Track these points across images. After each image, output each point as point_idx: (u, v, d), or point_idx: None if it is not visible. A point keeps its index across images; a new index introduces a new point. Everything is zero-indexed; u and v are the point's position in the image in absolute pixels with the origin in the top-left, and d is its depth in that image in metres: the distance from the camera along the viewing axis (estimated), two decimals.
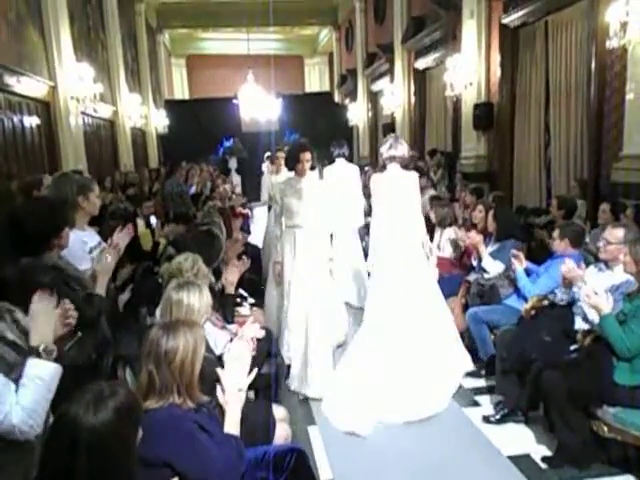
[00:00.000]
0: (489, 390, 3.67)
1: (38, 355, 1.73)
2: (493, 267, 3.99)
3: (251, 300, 4.17)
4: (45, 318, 1.79)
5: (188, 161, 10.26)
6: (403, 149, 3.77)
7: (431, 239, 5.14)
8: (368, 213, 5.26)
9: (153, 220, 5.61)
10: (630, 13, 4.12)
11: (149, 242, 4.62)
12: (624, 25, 4.25)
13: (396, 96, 10.94)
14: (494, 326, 3.77)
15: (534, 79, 6.57)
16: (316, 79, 21.08)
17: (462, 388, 3.74)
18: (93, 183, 3.10)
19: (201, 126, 14.38)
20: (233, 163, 13.41)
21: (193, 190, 8.30)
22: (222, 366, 2.06)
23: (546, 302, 3.45)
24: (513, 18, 6.60)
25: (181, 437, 1.75)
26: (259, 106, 12.60)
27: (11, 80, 6.10)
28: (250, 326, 2.45)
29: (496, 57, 7.08)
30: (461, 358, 3.87)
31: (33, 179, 4.64)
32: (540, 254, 4.05)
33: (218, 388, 1.97)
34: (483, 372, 3.87)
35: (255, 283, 4.97)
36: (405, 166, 3.92)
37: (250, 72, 12.51)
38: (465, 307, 4.17)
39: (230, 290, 3.40)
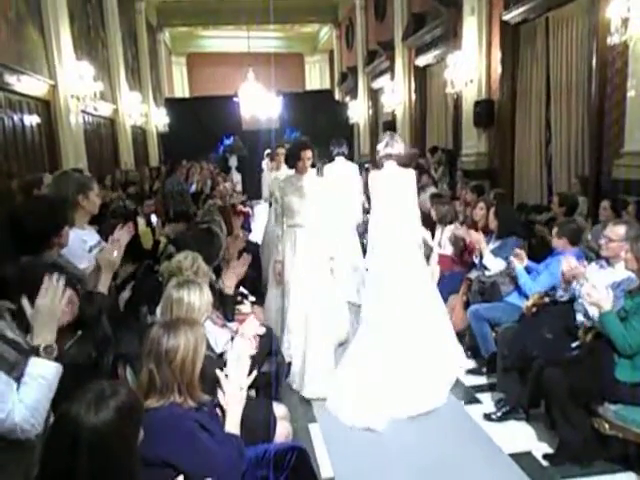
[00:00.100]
0: (490, 387, 3.66)
1: (38, 354, 1.73)
2: (494, 264, 3.99)
3: (252, 298, 4.17)
4: (49, 318, 1.78)
5: (188, 159, 10.25)
6: (399, 147, 3.85)
7: (432, 237, 5.17)
8: (368, 211, 5.27)
9: (154, 219, 5.61)
10: (631, 9, 4.11)
11: (150, 241, 4.62)
12: (625, 21, 4.24)
13: (397, 93, 10.92)
14: (495, 323, 3.77)
15: (535, 76, 6.56)
16: (316, 77, 21.05)
17: (463, 385, 3.75)
18: (93, 182, 3.10)
19: (201, 124, 14.37)
20: (233, 161, 13.40)
21: (193, 188, 8.30)
22: (223, 364, 2.06)
23: (547, 299, 3.45)
24: (514, 15, 6.58)
25: (182, 436, 1.75)
26: (259, 104, 12.59)
27: (11, 79, 6.10)
28: (250, 323, 2.45)
29: (497, 54, 7.06)
30: (456, 354, 3.91)
31: (33, 178, 4.64)
32: (541, 251, 4.05)
33: (219, 389, 1.97)
34: (484, 370, 3.87)
35: (255, 281, 4.97)
36: (404, 164, 3.99)
37: (250, 70, 12.49)
38: (466, 304, 4.17)
39: (229, 292, 3.40)
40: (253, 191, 10.84)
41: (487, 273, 4.04)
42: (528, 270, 3.75)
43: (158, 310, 2.59)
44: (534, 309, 3.47)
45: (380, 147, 3.86)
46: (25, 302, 1.83)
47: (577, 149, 5.86)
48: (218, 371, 2.01)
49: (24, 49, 6.63)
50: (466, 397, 3.59)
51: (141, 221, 5.24)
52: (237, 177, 12.49)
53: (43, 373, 1.70)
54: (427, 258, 5.05)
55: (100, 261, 2.53)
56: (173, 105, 15.42)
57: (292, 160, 4.10)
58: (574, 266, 3.07)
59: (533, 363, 2.99)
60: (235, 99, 13.40)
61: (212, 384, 2.00)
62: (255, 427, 2.24)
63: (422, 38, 9.50)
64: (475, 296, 4.11)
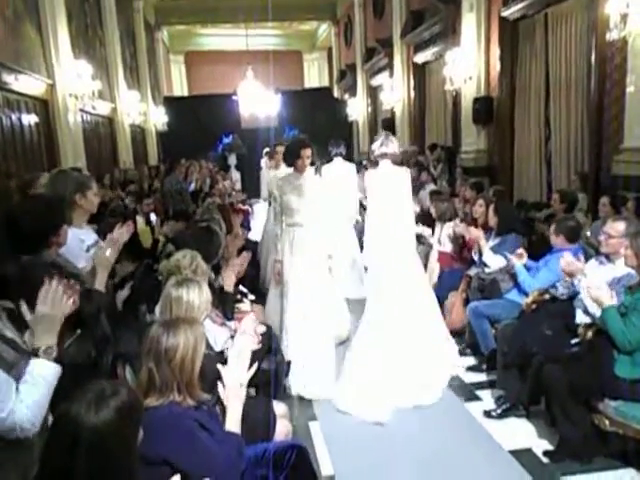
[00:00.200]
0: (490, 385, 3.66)
1: (37, 355, 1.73)
2: (494, 261, 3.99)
3: (251, 297, 4.17)
4: (50, 325, 1.78)
5: (187, 158, 10.22)
6: (394, 146, 3.88)
7: (432, 234, 5.17)
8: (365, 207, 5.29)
9: (153, 217, 5.61)
10: (630, 5, 4.11)
11: (149, 239, 4.63)
12: (624, 17, 4.23)
13: (395, 91, 10.91)
14: (495, 320, 3.77)
15: (534, 72, 6.54)
16: (315, 74, 21.03)
17: (463, 383, 3.75)
18: (91, 181, 3.08)
19: (200, 123, 14.35)
20: (232, 160, 13.38)
21: (192, 187, 8.28)
22: (223, 362, 2.06)
23: (547, 296, 3.45)
24: (513, 11, 6.57)
25: (181, 435, 1.74)
26: (258, 102, 12.59)
27: (9, 78, 6.08)
28: (248, 319, 2.45)
29: (496, 50, 7.04)
30: (451, 350, 3.95)
31: (31, 177, 4.62)
32: (541, 248, 4.04)
33: (219, 383, 1.97)
34: (484, 366, 3.87)
35: (254, 280, 4.97)
36: (400, 162, 4.04)
37: (249, 68, 12.48)
38: (466, 301, 4.17)
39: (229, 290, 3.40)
40: (252, 189, 10.83)
41: (487, 270, 4.04)
42: (527, 268, 3.75)
43: (157, 309, 2.59)
44: (534, 306, 3.47)
45: (375, 146, 3.91)
46: (25, 309, 1.83)
47: (576, 145, 5.85)
48: (219, 365, 2.01)
49: (21, 48, 6.61)
50: (466, 394, 3.59)
51: (140, 220, 5.25)
52: (236, 175, 12.48)
53: (43, 373, 1.71)
54: (426, 255, 5.06)
55: (95, 260, 2.53)
56: (172, 104, 15.40)
57: (291, 158, 4.09)
58: (570, 262, 3.06)
59: (533, 360, 2.99)
60: (234, 97, 13.39)
61: (212, 383, 2.00)
62: (255, 425, 2.23)
63: (421, 35, 9.48)
64: (475, 293, 4.11)
